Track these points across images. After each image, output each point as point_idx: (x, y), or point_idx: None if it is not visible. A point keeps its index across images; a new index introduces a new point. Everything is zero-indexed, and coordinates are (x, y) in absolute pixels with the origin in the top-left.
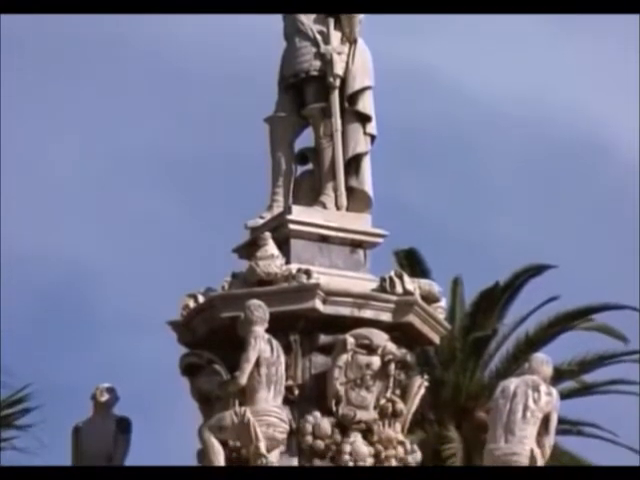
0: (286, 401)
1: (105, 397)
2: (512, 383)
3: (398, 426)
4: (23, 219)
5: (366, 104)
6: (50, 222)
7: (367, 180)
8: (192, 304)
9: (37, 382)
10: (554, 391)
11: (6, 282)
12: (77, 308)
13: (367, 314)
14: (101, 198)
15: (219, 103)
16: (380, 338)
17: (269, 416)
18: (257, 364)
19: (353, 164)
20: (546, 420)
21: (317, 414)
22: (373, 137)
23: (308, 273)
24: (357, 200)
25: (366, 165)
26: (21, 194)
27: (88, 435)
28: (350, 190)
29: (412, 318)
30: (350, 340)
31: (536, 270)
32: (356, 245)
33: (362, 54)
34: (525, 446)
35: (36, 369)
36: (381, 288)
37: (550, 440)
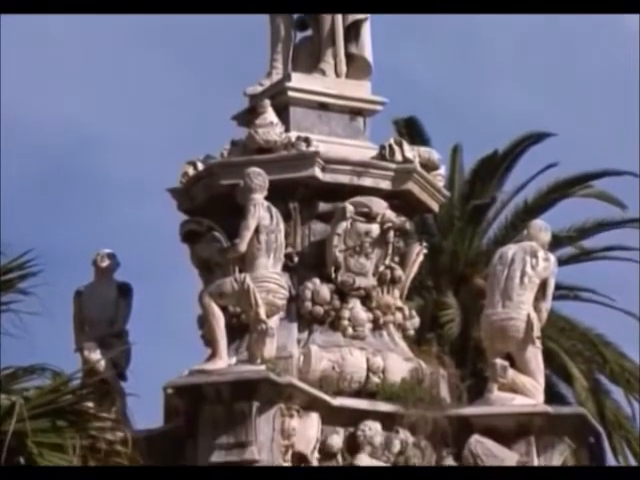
0: (285, 268)
1: (106, 262)
2: (510, 249)
3: (396, 292)
4: (23, 86)
5: None
6: (50, 89)
7: (367, 46)
8: (191, 171)
9: (39, 248)
10: (552, 257)
11: (7, 149)
12: (78, 175)
13: (366, 182)
14: (102, 66)
15: None
16: (379, 206)
17: (268, 282)
18: (257, 231)
19: (352, 30)
20: (543, 285)
21: (316, 281)
22: None
23: (307, 141)
24: (357, 67)
25: (366, 31)
26: (21, 60)
27: (90, 300)
28: (349, 57)
29: (411, 186)
30: (349, 208)
31: (536, 138)
32: (355, 113)
33: None
34: (522, 311)
35: (38, 235)
36: (380, 156)
37: (547, 305)
